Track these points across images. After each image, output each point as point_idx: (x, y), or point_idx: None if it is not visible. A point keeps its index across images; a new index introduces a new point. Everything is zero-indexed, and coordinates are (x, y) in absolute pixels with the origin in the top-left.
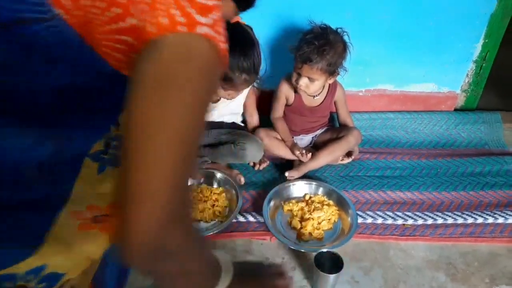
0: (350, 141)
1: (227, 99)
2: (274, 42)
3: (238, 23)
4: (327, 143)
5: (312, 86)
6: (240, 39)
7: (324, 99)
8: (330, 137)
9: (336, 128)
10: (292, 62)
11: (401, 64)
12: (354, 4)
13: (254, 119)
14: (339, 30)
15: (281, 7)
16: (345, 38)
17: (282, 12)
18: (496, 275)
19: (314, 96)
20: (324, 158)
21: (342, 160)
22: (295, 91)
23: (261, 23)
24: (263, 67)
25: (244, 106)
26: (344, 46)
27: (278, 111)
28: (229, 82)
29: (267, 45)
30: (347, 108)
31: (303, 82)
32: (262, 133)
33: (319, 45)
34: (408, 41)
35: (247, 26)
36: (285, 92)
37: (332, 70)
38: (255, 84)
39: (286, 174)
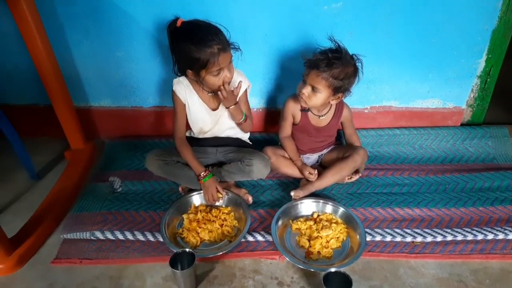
0: (356, 160)
1: (225, 82)
2: (281, 63)
3: (182, 22)
4: (333, 162)
5: (314, 98)
6: (191, 28)
7: (331, 120)
8: (337, 156)
9: (342, 147)
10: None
11: (405, 81)
12: (357, 24)
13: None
14: (354, 55)
15: (285, 28)
16: (358, 65)
17: (288, 33)
18: None
19: (319, 116)
20: (331, 177)
21: (349, 178)
22: (302, 109)
23: (267, 45)
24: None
25: None
26: (355, 70)
27: (286, 130)
28: (210, 63)
29: (275, 65)
30: (353, 128)
31: (306, 90)
32: (269, 151)
33: (331, 57)
34: (411, 58)
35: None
36: (291, 110)
37: (336, 86)
38: (235, 49)
39: (292, 193)
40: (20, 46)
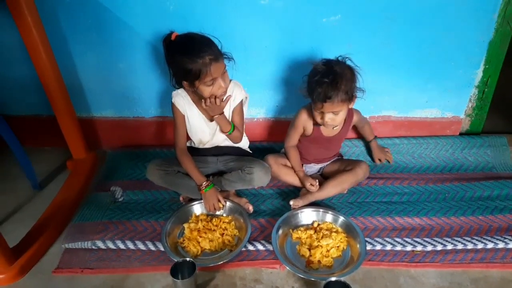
0: (358, 174)
1: (220, 93)
2: (281, 73)
3: (176, 36)
4: (335, 173)
5: (338, 118)
6: (183, 41)
7: (342, 128)
8: (338, 167)
9: (344, 160)
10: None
11: (404, 91)
12: (355, 35)
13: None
14: (339, 58)
15: (285, 39)
16: (349, 62)
17: (288, 44)
18: None
19: (333, 127)
20: (332, 189)
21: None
22: (315, 123)
23: (267, 56)
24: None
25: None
26: (351, 71)
27: (294, 139)
28: (203, 74)
29: (275, 76)
30: (366, 120)
31: (329, 118)
32: (271, 160)
33: (330, 81)
34: (410, 69)
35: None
36: (303, 122)
37: (350, 96)
38: (227, 59)
39: (291, 203)
40: (24, 57)
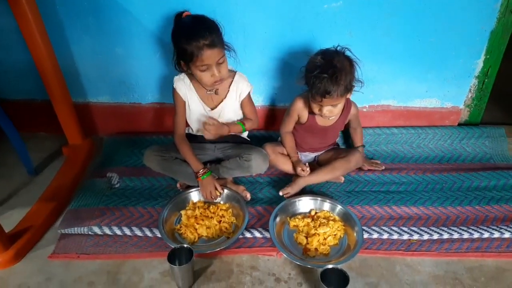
0: (350, 161)
1: (215, 81)
2: (280, 61)
3: (187, 15)
4: (329, 161)
5: (335, 110)
6: (186, 21)
7: (338, 118)
8: (332, 156)
9: (339, 149)
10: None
11: (404, 80)
12: (356, 23)
13: (251, 125)
14: (338, 49)
15: (285, 26)
16: (348, 53)
17: (287, 31)
18: None
19: (329, 117)
20: (323, 175)
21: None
22: (310, 111)
23: (267, 44)
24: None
25: (244, 113)
26: (350, 62)
27: (289, 126)
28: (196, 57)
29: (274, 63)
30: (359, 124)
31: (327, 110)
32: (269, 148)
33: (330, 75)
34: (410, 58)
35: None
36: (298, 110)
37: (349, 89)
38: (228, 51)
39: (280, 193)
40: (19, 40)
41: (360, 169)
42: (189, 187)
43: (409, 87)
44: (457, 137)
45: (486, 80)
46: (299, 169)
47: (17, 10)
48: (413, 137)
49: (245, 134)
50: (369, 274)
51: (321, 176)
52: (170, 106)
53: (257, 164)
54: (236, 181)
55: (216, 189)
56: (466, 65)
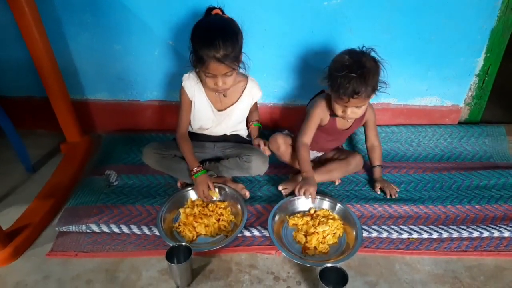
0: (349, 164)
1: (216, 90)
2: (280, 58)
3: (216, 14)
4: (329, 161)
5: (359, 112)
6: (210, 23)
7: (355, 120)
8: (332, 156)
9: (341, 149)
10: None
11: (404, 78)
12: (357, 20)
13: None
14: (365, 49)
15: (285, 23)
16: (373, 54)
17: (287, 28)
18: None
19: (348, 119)
20: (321, 175)
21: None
22: (331, 114)
23: (267, 40)
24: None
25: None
26: (376, 63)
27: (309, 135)
28: (203, 63)
29: (274, 60)
30: (376, 130)
31: (351, 111)
32: (280, 139)
33: (359, 75)
34: (410, 56)
35: (227, 17)
36: (321, 114)
37: (375, 90)
38: (238, 69)
39: (280, 188)
40: (17, 37)
41: (371, 187)
42: (188, 185)
43: (409, 85)
44: (457, 135)
45: (486, 78)
46: (302, 191)
47: (14, 6)
48: (413, 136)
49: (245, 134)
50: (368, 273)
51: (319, 176)
52: (169, 103)
53: (256, 166)
54: (235, 179)
55: (209, 188)
56: (466, 63)
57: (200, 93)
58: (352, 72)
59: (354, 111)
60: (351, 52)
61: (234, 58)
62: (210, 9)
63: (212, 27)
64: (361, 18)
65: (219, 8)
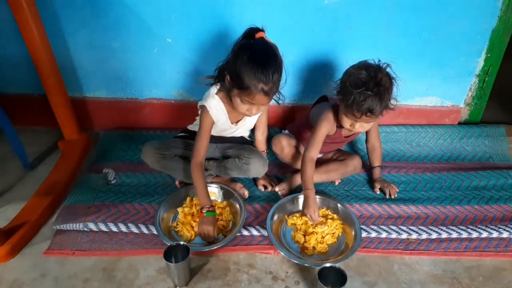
0: (348, 166)
1: (246, 115)
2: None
3: (262, 38)
4: (327, 161)
5: (368, 126)
6: (260, 51)
7: None
8: (332, 157)
9: (340, 150)
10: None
11: (404, 78)
12: (357, 19)
13: (264, 137)
14: (381, 64)
15: (285, 21)
16: (388, 70)
17: (288, 26)
18: None
19: None
20: (319, 176)
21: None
22: (338, 125)
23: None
24: (283, 83)
25: (257, 122)
26: (391, 81)
27: (317, 149)
28: (246, 91)
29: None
30: (377, 131)
31: (360, 126)
32: (284, 140)
33: (375, 94)
34: (410, 56)
35: (272, 43)
36: (329, 128)
37: (387, 107)
38: (275, 99)
39: (276, 189)
40: (15, 34)
41: (371, 187)
42: (187, 184)
43: (409, 85)
44: (457, 136)
45: (486, 78)
46: (308, 215)
47: (13, 2)
48: (412, 136)
49: (247, 135)
50: (367, 273)
51: (317, 176)
52: (167, 102)
53: (255, 168)
54: (234, 178)
55: (214, 232)
56: (466, 63)
57: (223, 114)
58: (368, 90)
59: (362, 126)
60: (367, 67)
61: (278, 90)
62: (253, 29)
63: (264, 57)
64: (362, 17)
65: (262, 31)
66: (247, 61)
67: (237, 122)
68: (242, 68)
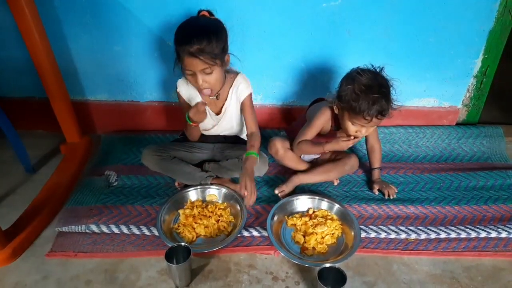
0: (345, 164)
1: (205, 93)
2: (280, 59)
3: (203, 16)
4: (325, 161)
5: (372, 129)
6: (192, 22)
7: None
8: (329, 157)
9: (336, 151)
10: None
11: (402, 79)
12: (355, 22)
13: (253, 140)
14: (375, 68)
15: (284, 25)
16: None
17: (286, 30)
18: None
19: None
20: (317, 176)
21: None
22: (333, 127)
23: (266, 42)
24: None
25: (245, 120)
26: (388, 82)
27: (308, 138)
28: (180, 61)
29: (273, 62)
30: (376, 132)
31: (364, 130)
32: (278, 143)
33: (382, 95)
34: (408, 57)
35: (214, 18)
36: (324, 124)
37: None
38: (219, 66)
39: (276, 191)
40: (17, 38)
41: (369, 188)
42: (187, 186)
43: (407, 86)
44: (455, 136)
45: (484, 79)
46: (344, 138)
47: (14, 6)
48: (411, 137)
49: (244, 135)
50: (367, 273)
51: (316, 177)
52: (169, 105)
53: (256, 167)
54: (234, 179)
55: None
56: (464, 64)
57: (197, 98)
58: (374, 93)
59: (368, 130)
60: (365, 72)
61: (211, 54)
62: (199, 12)
63: (188, 25)
64: (360, 20)
65: (207, 11)
66: (177, 32)
67: (219, 112)
68: (174, 41)
